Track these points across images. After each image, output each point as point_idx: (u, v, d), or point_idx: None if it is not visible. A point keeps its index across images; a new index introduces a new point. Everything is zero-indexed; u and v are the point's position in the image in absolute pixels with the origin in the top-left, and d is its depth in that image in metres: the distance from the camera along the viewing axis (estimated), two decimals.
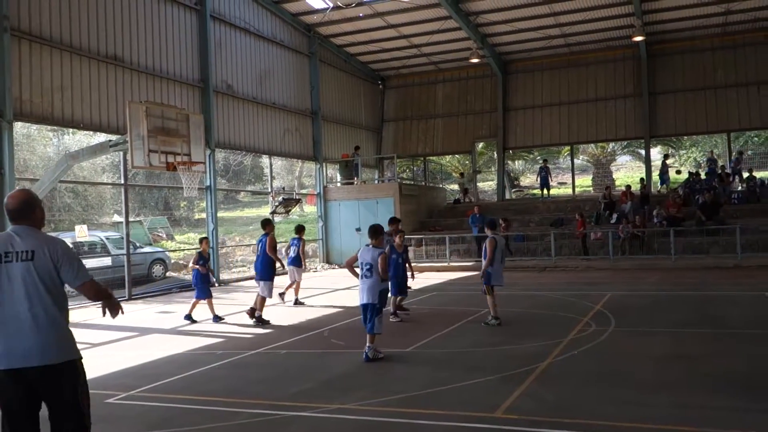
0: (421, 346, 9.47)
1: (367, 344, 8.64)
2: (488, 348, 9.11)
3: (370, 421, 6.09)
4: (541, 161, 32.07)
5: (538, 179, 29.68)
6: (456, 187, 32.70)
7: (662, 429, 5.51)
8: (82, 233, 17.31)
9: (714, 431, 5.38)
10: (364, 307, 8.77)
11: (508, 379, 7.30)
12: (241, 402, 6.88)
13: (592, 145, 36.02)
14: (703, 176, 26.49)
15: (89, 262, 19.62)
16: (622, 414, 5.92)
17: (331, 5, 23.49)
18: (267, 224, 13.26)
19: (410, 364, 8.57)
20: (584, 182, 38.48)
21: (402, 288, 12.15)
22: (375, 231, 9.20)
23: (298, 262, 15.31)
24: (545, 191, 29.19)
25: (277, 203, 22.95)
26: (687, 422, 5.63)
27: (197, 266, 12.84)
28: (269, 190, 25.23)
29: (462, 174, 34.80)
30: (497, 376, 7.45)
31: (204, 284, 12.86)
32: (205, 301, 12.85)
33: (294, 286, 15.10)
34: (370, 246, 8.95)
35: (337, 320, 12.39)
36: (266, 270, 12.61)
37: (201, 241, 13.56)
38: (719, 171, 26.23)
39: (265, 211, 30.15)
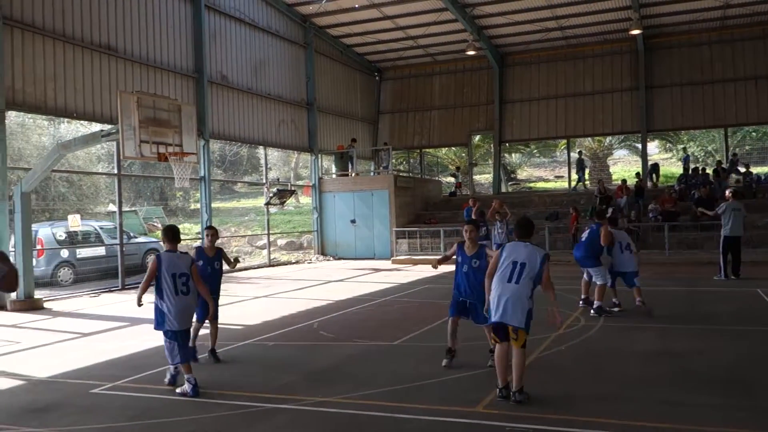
0: (407, 339, 9.48)
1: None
2: (474, 342, 9.07)
3: (351, 414, 6.09)
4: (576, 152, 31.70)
5: (578, 172, 29.58)
6: (452, 179, 32.69)
7: (641, 426, 5.50)
8: (75, 222, 17.29)
9: (690, 428, 5.39)
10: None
11: (491, 374, 7.24)
12: (225, 394, 6.88)
13: (589, 138, 35.98)
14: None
15: (83, 252, 19.65)
16: (602, 410, 5.93)
17: None
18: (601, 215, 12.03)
19: (397, 357, 8.58)
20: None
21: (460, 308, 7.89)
22: (171, 233, 7.36)
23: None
24: (581, 182, 29.23)
25: (271, 194, 22.93)
26: (665, 418, 5.63)
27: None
28: (264, 181, 25.19)
29: (458, 168, 34.78)
30: (481, 370, 7.45)
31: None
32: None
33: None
34: (177, 252, 7.27)
35: (327, 312, 12.41)
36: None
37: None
38: (695, 167, 26.61)
39: (261, 203, 30.12)
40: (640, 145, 30.09)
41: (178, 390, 6.94)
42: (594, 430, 5.43)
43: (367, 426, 5.83)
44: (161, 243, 7.39)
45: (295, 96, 25.41)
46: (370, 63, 30.90)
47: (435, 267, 8.30)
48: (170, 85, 19.07)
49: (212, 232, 8.71)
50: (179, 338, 7.06)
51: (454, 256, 7.87)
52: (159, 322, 7.09)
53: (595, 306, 11.09)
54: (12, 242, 14.57)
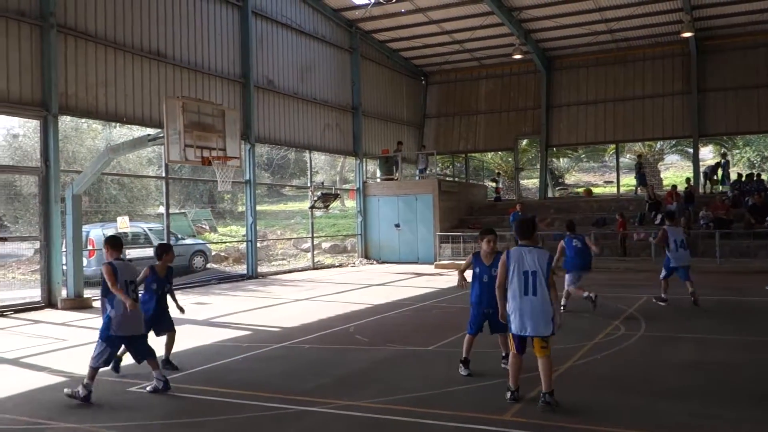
0: (443, 344, 9.44)
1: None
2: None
3: (378, 418, 6.12)
4: (635, 159, 30.90)
5: (636, 177, 28.86)
6: (492, 184, 32.36)
7: None
8: (123, 224, 17.79)
9: None
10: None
11: (523, 381, 7.18)
12: (256, 395, 6.97)
13: (639, 143, 35.20)
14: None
15: (132, 252, 20.17)
16: (632, 421, 5.81)
17: (373, 1, 23.49)
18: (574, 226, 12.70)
19: (428, 362, 8.55)
20: (631, 181, 37.56)
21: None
22: (116, 242, 7.45)
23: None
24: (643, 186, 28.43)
25: (315, 198, 23.15)
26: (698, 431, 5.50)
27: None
28: (309, 184, 25.46)
29: (498, 173, 34.51)
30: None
31: None
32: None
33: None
34: (125, 260, 7.44)
35: (364, 316, 12.45)
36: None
37: None
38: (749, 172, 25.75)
39: (307, 206, 30.47)
40: (692, 150, 29.26)
41: (66, 390, 6.99)
42: None
43: (396, 431, 5.83)
44: (104, 251, 7.44)
45: (340, 100, 25.61)
46: (416, 67, 30.90)
47: (463, 286, 7.89)
48: (217, 89, 19.45)
49: (170, 250, 8.61)
50: (116, 345, 7.16)
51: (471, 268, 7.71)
52: (104, 328, 7.05)
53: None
54: (64, 243, 15.04)
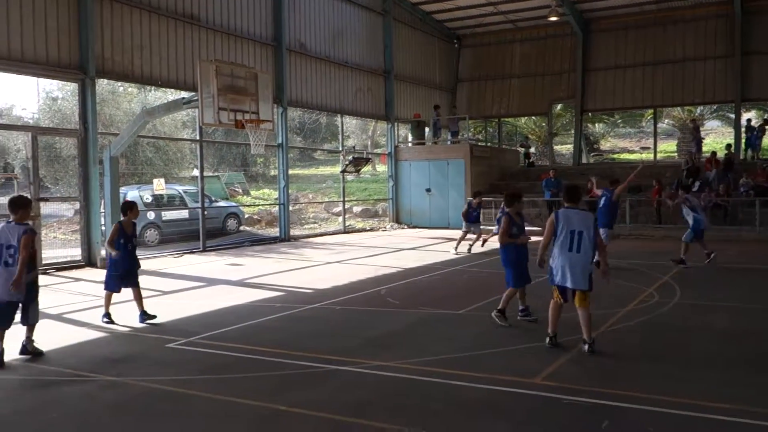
0: (474, 308, 9.48)
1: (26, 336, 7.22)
2: (542, 313, 8.99)
3: (407, 379, 6.21)
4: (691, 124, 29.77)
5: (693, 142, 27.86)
6: (522, 149, 31.79)
7: (702, 405, 5.33)
8: (159, 186, 18.05)
9: (757, 410, 5.19)
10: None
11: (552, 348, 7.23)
12: (288, 353, 7.12)
13: (678, 108, 34.36)
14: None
15: (168, 214, 20.53)
16: (663, 388, 5.79)
17: None
18: (615, 182, 13.79)
19: (460, 325, 8.62)
20: (669, 147, 36.88)
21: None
22: (11, 204, 7.06)
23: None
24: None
25: (347, 162, 23.16)
26: (729, 400, 5.45)
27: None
28: (340, 148, 25.46)
29: (526, 138, 34.00)
30: (541, 343, 7.34)
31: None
32: None
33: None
34: (12, 222, 6.97)
35: (395, 280, 12.54)
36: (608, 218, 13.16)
37: None
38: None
39: (338, 170, 30.57)
40: (733, 116, 28.47)
41: None
42: (653, 407, 5.33)
43: (425, 391, 5.91)
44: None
45: (372, 64, 25.40)
46: (449, 30, 30.43)
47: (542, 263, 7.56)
48: (250, 53, 19.43)
49: (135, 207, 9.02)
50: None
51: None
52: None
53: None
54: (102, 203, 15.33)
